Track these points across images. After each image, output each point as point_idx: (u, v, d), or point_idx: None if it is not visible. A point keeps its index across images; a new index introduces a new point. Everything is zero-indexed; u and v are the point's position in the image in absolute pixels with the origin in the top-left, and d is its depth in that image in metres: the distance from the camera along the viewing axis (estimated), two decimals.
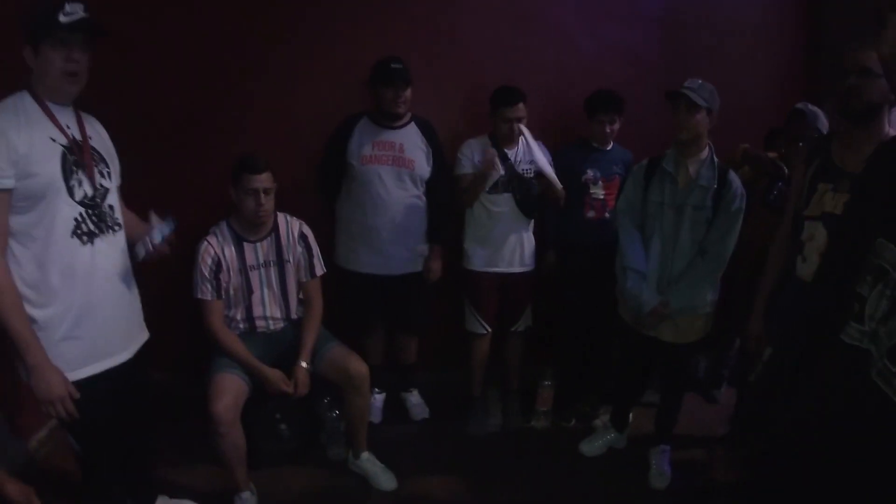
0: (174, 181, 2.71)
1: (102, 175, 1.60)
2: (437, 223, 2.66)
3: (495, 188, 2.59)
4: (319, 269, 2.38)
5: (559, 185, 2.54)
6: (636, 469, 2.55)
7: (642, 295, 2.25)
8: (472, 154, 2.61)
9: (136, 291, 1.79)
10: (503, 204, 2.60)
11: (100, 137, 1.67)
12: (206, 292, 2.19)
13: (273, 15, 2.75)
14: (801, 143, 2.40)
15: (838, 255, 1.14)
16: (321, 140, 2.67)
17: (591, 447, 2.68)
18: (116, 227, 1.64)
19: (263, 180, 2.17)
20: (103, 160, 1.63)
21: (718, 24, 3.35)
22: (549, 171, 2.54)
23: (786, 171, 2.50)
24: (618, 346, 2.70)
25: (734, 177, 2.23)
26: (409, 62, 2.54)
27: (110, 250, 1.62)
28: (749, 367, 2.15)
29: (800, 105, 2.53)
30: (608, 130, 2.70)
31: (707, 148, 2.24)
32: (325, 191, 2.66)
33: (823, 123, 2.44)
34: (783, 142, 2.64)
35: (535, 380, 2.86)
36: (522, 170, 2.60)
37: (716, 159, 2.25)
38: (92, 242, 1.56)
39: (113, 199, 1.64)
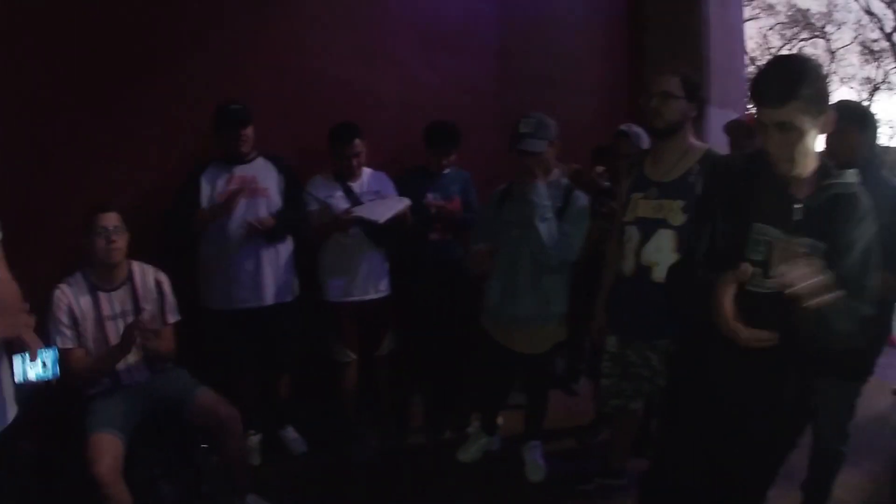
0: (20, 232, 2.57)
1: None
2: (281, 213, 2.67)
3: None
4: (172, 317, 2.37)
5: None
6: (513, 466, 2.73)
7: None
8: (318, 191, 2.73)
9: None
10: (353, 235, 2.72)
11: None
12: (66, 339, 2.14)
13: (116, 55, 2.70)
14: (625, 160, 2.71)
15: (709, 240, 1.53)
16: (170, 185, 2.66)
17: (468, 453, 2.83)
18: None
19: (112, 219, 2.19)
20: None
21: (549, 51, 3.70)
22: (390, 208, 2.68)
23: (606, 185, 2.83)
24: (479, 355, 2.87)
25: (579, 195, 2.49)
26: (256, 102, 2.63)
27: None
28: (599, 357, 2.38)
29: (623, 127, 2.89)
30: (444, 162, 2.92)
31: (556, 171, 2.49)
32: (176, 240, 2.64)
33: (645, 141, 2.77)
34: (610, 159, 2.98)
35: (406, 399, 2.99)
36: (367, 200, 2.74)
37: (563, 181, 2.50)
38: None
39: None
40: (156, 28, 2.76)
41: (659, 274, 2.00)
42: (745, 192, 1.48)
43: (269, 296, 2.66)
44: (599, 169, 3.03)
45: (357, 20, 3.18)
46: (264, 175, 2.66)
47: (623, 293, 2.21)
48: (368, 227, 2.67)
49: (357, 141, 2.69)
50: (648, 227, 2.07)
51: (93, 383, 2.20)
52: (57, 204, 2.55)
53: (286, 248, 2.73)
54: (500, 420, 2.93)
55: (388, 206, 2.64)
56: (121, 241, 2.21)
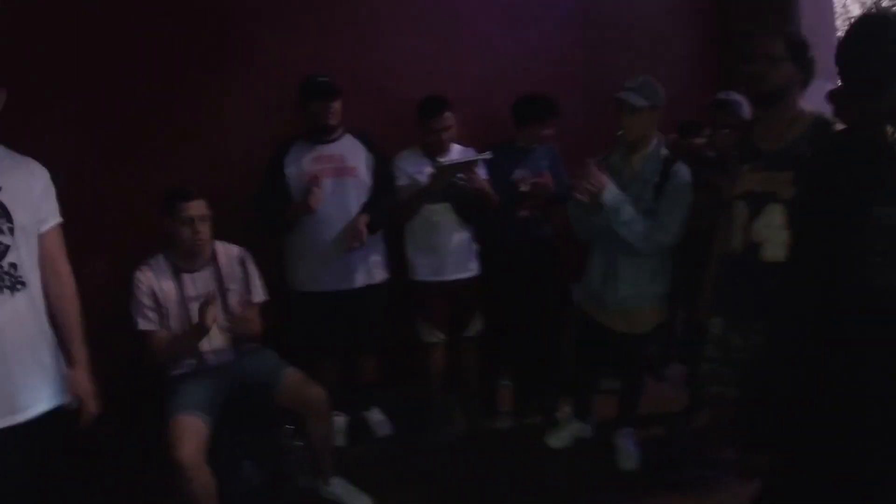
0: (102, 216, 2.62)
1: (1, 231, 1.47)
2: (372, 203, 2.58)
3: (434, 198, 2.62)
4: (257, 297, 2.33)
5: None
6: (605, 454, 2.61)
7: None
8: (405, 167, 2.65)
9: (43, 356, 1.57)
10: (442, 213, 2.64)
11: (15, 186, 1.51)
12: (149, 321, 2.13)
13: (197, 39, 2.71)
14: (726, 131, 2.52)
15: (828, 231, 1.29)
16: (253, 166, 2.64)
17: (558, 439, 2.73)
18: (19, 287, 1.49)
19: (198, 207, 2.15)
20: (5, 215, 1.49)
21: (633, 18, 3.49)
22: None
23: (710, 155, 2.65)
24: (572, 337, 2.76)
25: (679, 167, 2.29)
26: (338, 79, 2.56)
27: (4, 310, 1.46)
28: (697, 340, 2.24)
29: (721, 95, 2.67)
30: (545, 132, 2.79)
31: (654, 141, 2.32)
32: (267, 221, 2.59)
33: (746, 110, 2.58)
34: (711, 131, 2.76)
35: (493, 382, 2.90)
36: (457, 177, 2.64)
37: (663, 152, 2.32)
38: None
39: (15, 256, 1.49)
40: (236, 6, 2.73)
41: (769, 252, 1.85)
42: (864, 169, 1.28)
43: (358, 279, 2.61)
44: (698, 142, 2.84)
45: None
46: (352, 153, 2.59)
47: (731, 272, 2.04)
48: (459, 201, 2.57)
49: (447, 114, 2.59)
50: (757, 202, 1.89)
51: (177, 364, 2.18)
52: (143, 186, 2.57)
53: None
54: (593, 405, 2.81)
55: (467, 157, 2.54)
56: (206, 230, 2.18)
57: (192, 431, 1.98)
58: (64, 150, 2.44)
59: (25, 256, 1.50)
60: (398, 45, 2.99)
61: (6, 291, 1.45)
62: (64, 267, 1.64)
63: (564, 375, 2.88)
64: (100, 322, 2.23)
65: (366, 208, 2.57)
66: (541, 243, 2.78)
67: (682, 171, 2.28)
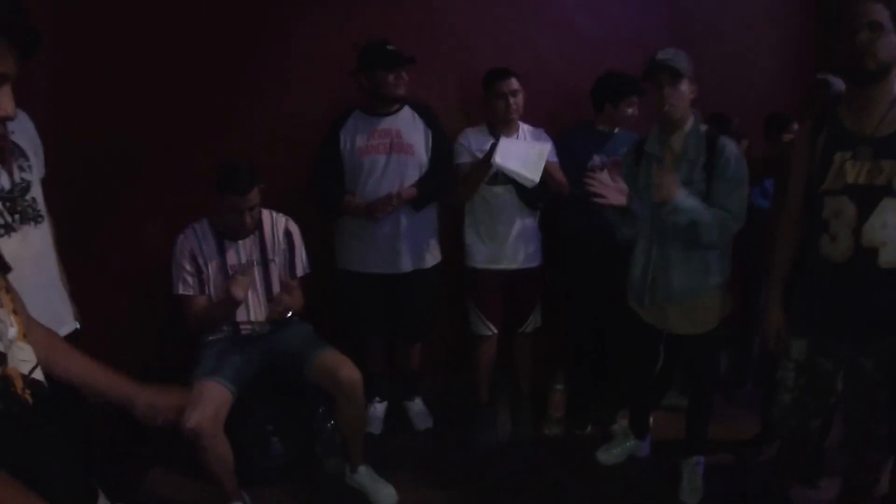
0: (159, 184, 2.57)
1: (23, 169, 1.52)
2: (424, 178, 2.43)
3: (494, 179, 2.42)
4: (301, 270, 2.24)
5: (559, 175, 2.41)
6: (662, 479, 2.34)
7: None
8: (469, 144, 2.45)
9: (59, 284, 1.65)
10: (504, 196, 2.43)
11: (24, 131, 1.59)
12: (188, 286, 2.09)
13: (254, 8, 2.60)
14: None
15: None
16: (312, 136, 2.51)
17: (609, 455, 2.48)
18: (39, 219, 1.55)
19: (250, 200, 2.03)
20: (24, 154, 1.55)
21: (720, 3, 3.19)
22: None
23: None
24: (625, 340, 2.51)
25: (726, 142, 2.00)
26: (400, 46, 2.40)
27: (31, 241, 1.52)
28: (773, 363, 1.94)
29: (821, 76, 2.34)
30: (630, 112, 2.55)
31: (691, 118, 2.04)
32: (323, 194, 2.46)
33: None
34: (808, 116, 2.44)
35: (546, 384, 2.69)
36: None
37: (702, 127, 2.04)
38: (9, 235, 1.47)
39: (36, 191, 1.56)
40: None
41: (888, 257, 1.56)
42: None
43: (406, 263, 2.46)
44: (787, 138, 2.53)
45: None
46: (410, 129, 2.43)
47: (827, 284, 1.73)
48: (521, 185, 2.37)
49: (513, 79, 2.39)
50: (867, 198, 1.59)
51: (212, 331, 2.13)
52: (199, 155, 2.48)
53: (429, 210, 2.50)
54: (651, 421, 2.54)
55: (526, 152, 2.29)
56: (254, 217, 2.09)
57: (211, 398, 1.92)
58: (128, 113, 2.45)
59: (38, 194, 1.57)
60: (470, 14, 2.79)
61: (32, 223, 1.51)
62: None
63: (624, 384, 2.63)
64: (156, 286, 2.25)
65: (416, 183, 2.43)
66: (614, 238, 2.54)
67: (730, 146, 1.99)
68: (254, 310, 2.17)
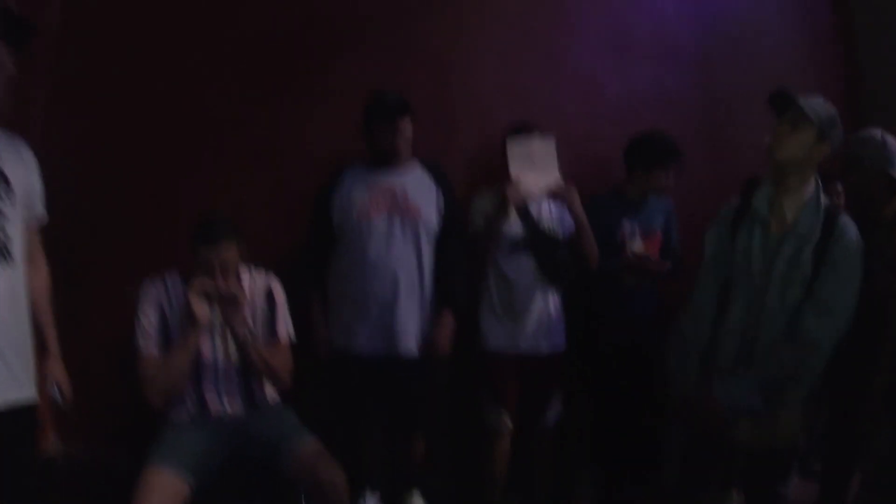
0: (144, 243, 2.30)
1: (1, 198, 1.40)
2: (447, 282, 2.14)
3: (514, 249, 2.15)
4: (284, 331, 1.91)
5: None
6: None
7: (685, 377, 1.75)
8: (485, 207, 2.20)
9: (24, 341, 1.45)
10: (522, 268, 2.16)
11: (16, 161, 1.46)
12: (149, 343, 1.79)
13: (271, 60, 2.40)
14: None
15: None
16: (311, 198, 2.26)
17: None
18: (7, 258, 1.39)
19: (221, 251, 1.74)
20: (6, 181, 1.42)
21: (754, 62, 3.01)
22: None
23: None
24: (676, 443, 2.17)
25: (847, 224, 1.65)
26: (413, 105, 2.16)
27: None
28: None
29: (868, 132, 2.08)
30: (661, 186, 2.32)
31: (813, 184, 1.69)
32: (309, 260, 2.19)
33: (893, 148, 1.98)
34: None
35: (570, 484, 2.35)
36: (547, 227, 2.18)
37: (823, 200, 1.68)
38: None
39: (12, 229, 1.41)
40: (310, 24, 2.43)
41: None
42: None
43: (406, 344, 2.10)
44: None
45: (534, 21, 2.69)
46: (418, 188, 2.14)
47: None
48: (545, 254, 2.11)
49: (535, 132, 2.16)
50: None
51: (175, 404, 1.81)
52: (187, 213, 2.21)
53: (432, 283, 2.16)
54: None
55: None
56: (227, 275, 1.78)
57: (162, 489, 1.61)
58: (102, 170, 2.22)
59: (16, 233, 1.42)
60: (487, 72, 2.59)
61: (4, 256, 1.38)
62: (43, 261, 1.64)
63: (662, 488, 2.27)
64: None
65: (442, 296, 2.14)
66: (646, 319, 2.26)
67: (851, 229, 1.64)
68: (225, 385, 1.85)
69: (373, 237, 2.07)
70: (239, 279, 1.86)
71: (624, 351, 2.26)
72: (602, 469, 2.37)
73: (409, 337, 2.09)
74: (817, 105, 1.63)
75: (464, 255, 2.18)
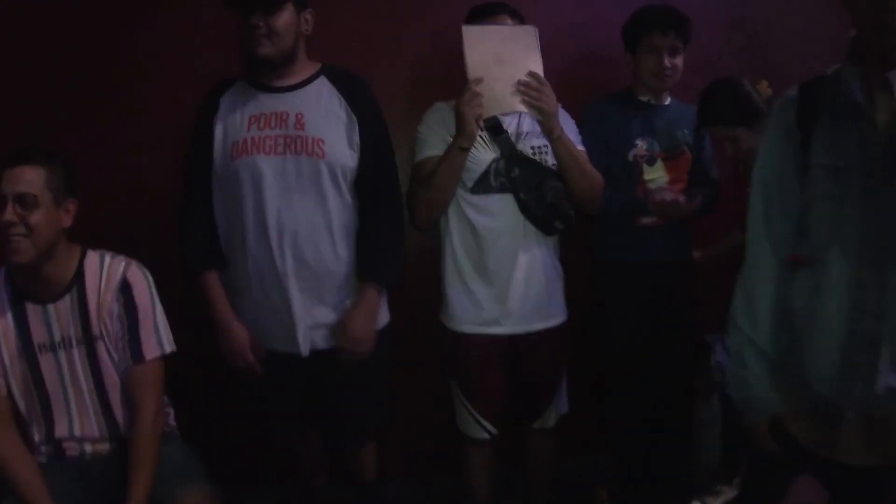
0: None
1: None
2: (373, 247, 1.50)
3: (484, 184, 1.48)
4: (151, 348, 1.35)
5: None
6: None
7: (749, 388, 1.14)
8: (443, 124, 1.49)
9: None
10: (500, 212, 1.49)
11: None
12: None
13: None
14: None
15: None
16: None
17: None
18: None
19: (18, 178, 1.22)
20: None
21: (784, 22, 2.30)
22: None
23: None
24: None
25: None
26: None
27: None
28: None
29: None
30: (667, 64, 1.64)
31: None
32: (189, 223, 1.51)
33: None
34: None
35: (580, 489, 1.81)
36: (531, 148, 1.50)
37: None
38: None
39: None
40: None
41: None
42: None
43: (313, 339, 1.49)
44: None
45: None
46: (320, 111, 1.45)
47: None
48: (531, 190, 1.45)
49: (509, 18, 1.49)
50: None
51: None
52: None
53: (350, 243, 1.50)
54: None
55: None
56: (35, 221, 1.23)
57: None
58: None
59: None
60: None
61: None
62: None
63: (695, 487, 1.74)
64: None
65: (365, 268, 1.49)
66: (674, 268, 1.69)
67: None
68: (79, 419, 1.35)
69: (252, 185, 1.42)
70: (82, 269, 1.32)
71: (644, 312, 1.69)
72: (623, 482, 1.80)
73: (317, 328, 1.48)
74: None
75: (398, 205, 1.54)
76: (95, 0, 1.73)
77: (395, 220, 1.52)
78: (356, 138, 1.47)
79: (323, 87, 1.48)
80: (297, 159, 1.42)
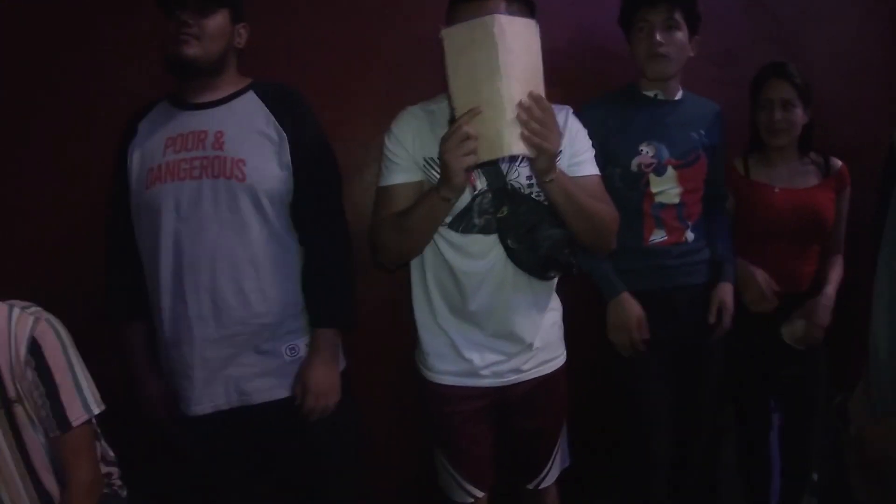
0: None
1: None
2: (317, 286, 1.31)
3: (465, 221, 1.21)
4: (77, 413, 1.16)
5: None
6: None
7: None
8: (416, 138, 1.23)
9: None
10: (483, 254, 1.23)
11: None
12: None
13: None
14: None
15: None
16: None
17: None
18: None
19: None
20: None
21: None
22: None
23: None
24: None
25: None
26: None
27: None
28: None
29: None
30: (659, 39, 1.37)
31: None
32: (107, 283, 1.36)
33: None
34: None
35: None
36: (526, 179, 1.22)
37: None
38: None
39: None
40: None
41: None
42: None
43: (255, 386, 1.29)
44: None
45: None
46: (242, 130, 1.26)
47: None
48: (521, 232, 1.18)
49: (503, 3, 1.14)
50: None
51: None
52: None
53: (286, 275, 1.30)
54: None
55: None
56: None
57: None
58: None
59: None
60: None
61: None
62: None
63: None
64: None
65: (314, 311, 1.31)
66: (687, 298, 1.46)
67: None
68: (5, 488, 1.17)
69: (165, 217, 1.23)
70: None
71: (663, 349, 1.45)
72: None
73: (255, 376, 1.28)
74: None
75: (340, 235, 1.33)
76: None
77: (338, 253, 1.32)
78: (286, 158, 1.26)
79: (250, 102, 1.29)
80: (213, 183, 1.22)
